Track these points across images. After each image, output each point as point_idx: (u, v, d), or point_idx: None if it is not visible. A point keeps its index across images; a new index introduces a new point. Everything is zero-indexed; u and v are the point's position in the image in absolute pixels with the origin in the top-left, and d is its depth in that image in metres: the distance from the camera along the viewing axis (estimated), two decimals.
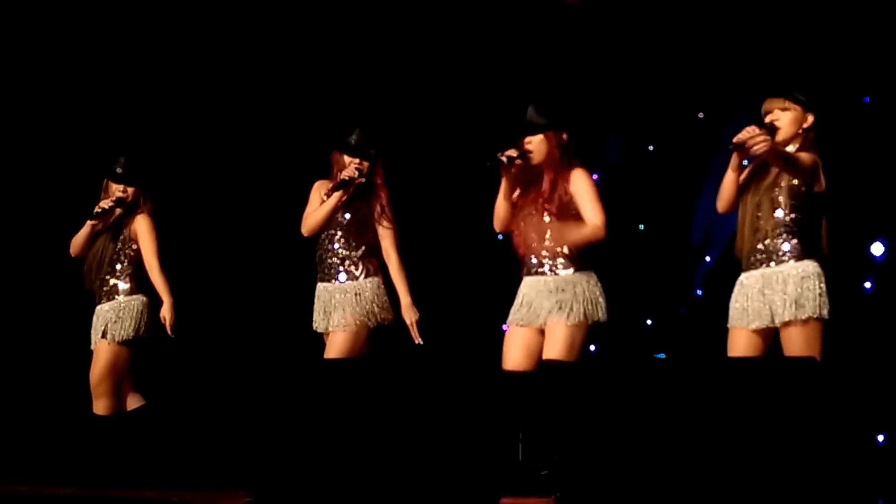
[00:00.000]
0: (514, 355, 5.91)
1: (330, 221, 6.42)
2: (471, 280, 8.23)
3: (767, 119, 5.56)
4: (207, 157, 8.33)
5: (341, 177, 6.39)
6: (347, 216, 6.45)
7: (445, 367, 4.79)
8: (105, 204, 6.71)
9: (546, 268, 5.86)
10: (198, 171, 8.28)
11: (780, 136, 5.52)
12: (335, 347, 6.33)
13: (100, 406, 6.71)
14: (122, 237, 6.79)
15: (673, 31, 8.29)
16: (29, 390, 7.89)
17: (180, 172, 8.09)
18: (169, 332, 6.65)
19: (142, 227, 6.76)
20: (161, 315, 6.67)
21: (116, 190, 6.82)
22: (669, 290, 8.31)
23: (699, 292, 8.36)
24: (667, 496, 4.12)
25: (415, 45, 8.47)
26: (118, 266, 6.75)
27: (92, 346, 6.76)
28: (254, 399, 6.17)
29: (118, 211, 6.79)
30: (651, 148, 8.67)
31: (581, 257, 5.92)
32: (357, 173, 6.36)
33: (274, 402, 4.73)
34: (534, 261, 5.90)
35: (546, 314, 5.82)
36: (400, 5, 8.35)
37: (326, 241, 6.45)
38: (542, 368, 5.66)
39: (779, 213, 5.46)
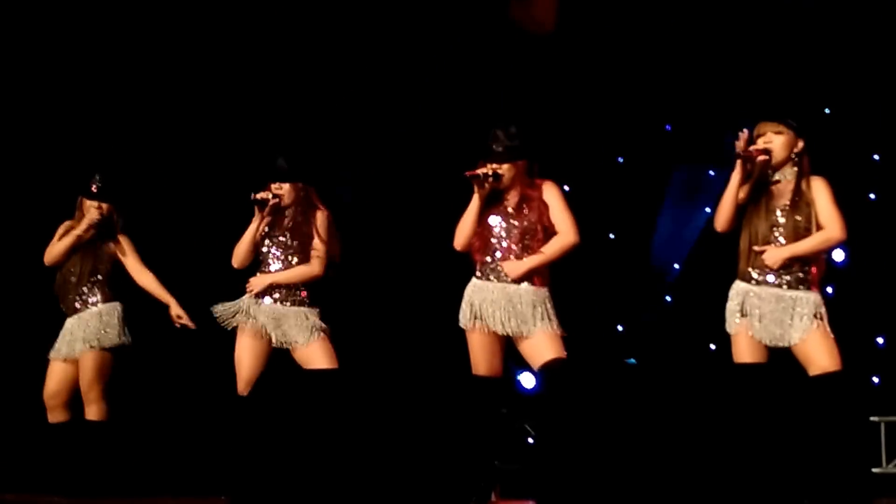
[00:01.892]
0: (485, 360, 5.87)
1: (260, 246, 6.43)
2: (438, 287, 8.33)
3: (760, 142, 5.58)
4: (180, 173, 8.36)
5: (254, 197, 6.40)
6: (283, 239, 6.48)
7: (416, 373, 4.87)
8: (94, 217, 6.76)
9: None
10: (171, 187, 8.31)
11: (773, 160, 5.56)
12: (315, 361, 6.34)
13: (93, 412, 6.72)
14: (97, 254, 6.83)
15: (640, 44, 8.41)
16: (12, 398, 7.93)
17: (155, 187, 8.14)
18: (190, 324, 6.71)
19: (126, 244, 6.81)
20: (175, 315, 6.73)
21: (91, 206, 6.90)
22: (639, 297, 8.42)
23: (668, 299, 8.52)
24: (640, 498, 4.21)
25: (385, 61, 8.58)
26: (95, 281, 6.81)
27: (60, 357, 6.73)
28: (234, 407, 6.30)
29: (92, 231, 6.83)
30: (620, 159, 8.79)
31: (543, 274, 5.96)
32: (270, 196, 6.34)
33: (254, 411, 4.79)
34: (499, 268, 5.86)
35: (524, 322, 5.81)
36: (372, 24, 8.46)
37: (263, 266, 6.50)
38: (553, 372, 5.66)
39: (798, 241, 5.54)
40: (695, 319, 8.10)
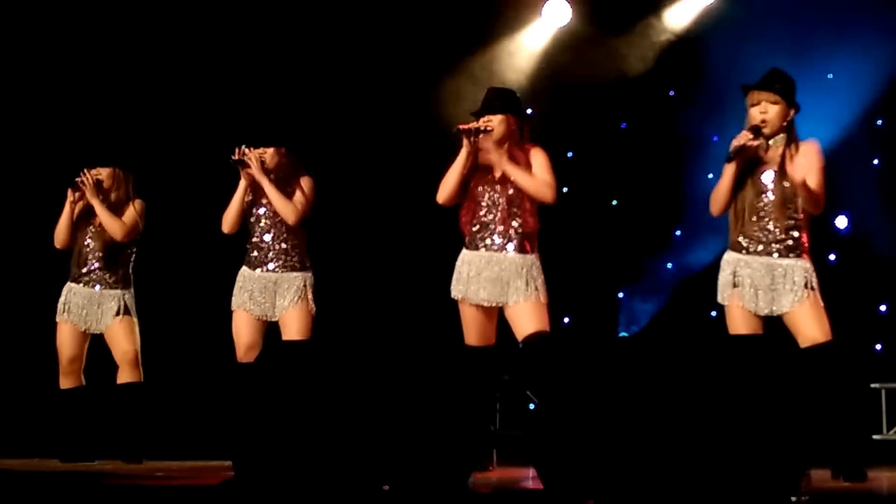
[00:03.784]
0: (477, 329, 5.85)
1: (248, 214, 6.42)
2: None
3: (756, 111, 5.53)
4: (171, 145, 8.37)
5: (234, 158, 6.37)
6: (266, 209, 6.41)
7: (414, 343, 4.82)
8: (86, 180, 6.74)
9: (497, 245, 5.80)
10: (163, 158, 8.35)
11: (767, 130, 5.52)
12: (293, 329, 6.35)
13: (135, 374, 6.72)
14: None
15: (642, 10, 8.41)
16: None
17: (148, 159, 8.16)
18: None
19: (132, 210, 6.80)
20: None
21: (91, 174, 6.73)
22: (641, 264, 8.43)
23: (670, 266, 8.53)
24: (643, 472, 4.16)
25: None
26: (112, 256, 6.75)
27: (80, 328, 6.72)
28: (236, 374, 6.31)
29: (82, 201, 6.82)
30: (624, 125, 8.77)
31: (530, 241, 5.89)
32: (246, 155, 6.30)
33: (256, 377, 4.74)
34: (486, 237, 5.82)
35: (508, 290, 5.77)
36: None
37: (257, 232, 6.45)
38: (532, 343, 5.65)
39: (788, 208, 5.44)
40: (695, 286, 8.13)
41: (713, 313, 7.87)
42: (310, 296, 6.38)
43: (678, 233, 8.48)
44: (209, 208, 6.71)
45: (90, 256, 6.81)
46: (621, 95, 8.53)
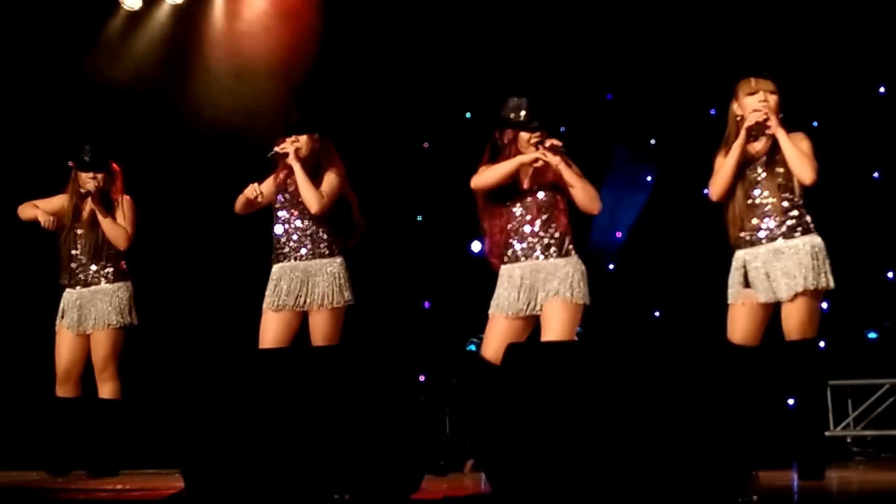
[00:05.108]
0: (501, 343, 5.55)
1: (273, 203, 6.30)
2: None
3: (754, 100, 5.48)
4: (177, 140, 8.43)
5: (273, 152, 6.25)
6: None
7: (372, 350, 4.80)
8: (90, 186, 6.68)
9: (537, 252, 5.66)
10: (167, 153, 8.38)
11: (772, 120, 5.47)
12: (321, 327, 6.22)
13: (107, 390, 6.68)
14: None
15: (587, 14, 8.41)
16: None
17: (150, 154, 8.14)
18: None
19: (126, 208, 6.74)
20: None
21: (87, 178, 6.72)
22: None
23: (611, 267, 8.52)
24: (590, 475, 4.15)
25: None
26: (107, 254, 6.71)
27: (73, 331, 6.68)
28: (188, 383, 6.21)
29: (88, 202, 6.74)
30: (563, 129, 8.73)
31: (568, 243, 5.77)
32: (284, 148, 6.18)
33: (208, 386, 4.67)
34: (523, 247, 5.70)
35: (546, 294, 5.63)
36: None
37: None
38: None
39: (784, 192, 5.44)
40: (639, 287, 8.13)
41: (657, 313, 7.89)
42: (343, 283, 6.23)
43: (619, 234, 8.46)
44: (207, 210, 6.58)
45: (80, 258, 6.72)
46: (558, 98, 8.51)
